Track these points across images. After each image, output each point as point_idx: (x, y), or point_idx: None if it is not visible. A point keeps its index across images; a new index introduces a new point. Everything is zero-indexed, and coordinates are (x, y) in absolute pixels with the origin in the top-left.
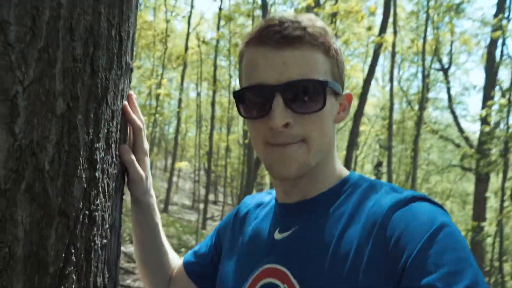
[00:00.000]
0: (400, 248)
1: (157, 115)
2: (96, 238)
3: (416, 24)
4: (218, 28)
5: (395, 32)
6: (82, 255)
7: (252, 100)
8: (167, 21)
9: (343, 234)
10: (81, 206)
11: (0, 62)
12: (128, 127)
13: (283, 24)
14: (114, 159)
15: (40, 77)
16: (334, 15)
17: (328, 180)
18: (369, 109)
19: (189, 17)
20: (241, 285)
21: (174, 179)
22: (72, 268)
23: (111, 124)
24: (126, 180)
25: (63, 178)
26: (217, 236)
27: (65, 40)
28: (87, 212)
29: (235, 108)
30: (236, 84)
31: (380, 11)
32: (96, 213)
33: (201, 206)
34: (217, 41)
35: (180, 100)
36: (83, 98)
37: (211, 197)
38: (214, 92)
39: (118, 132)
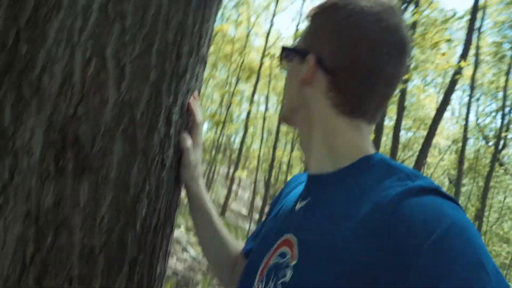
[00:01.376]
0: (404, 245)
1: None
2: (164, 178)
3: (499, 57)
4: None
5: (476, 64)
6: (153, 189)
7: None
8: (247, 36)
9: (348, 214)
10: (157, 151)
11: (117, 40)
12: (190, 119)
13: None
14: (185, 123)
15: (142, 54)
16: (413, 24)
17: (347, 155)
18: (440, 140)
19: (268, 34)
20: (263, 256)
21: (234, 187)
22: (146, 195)
23: (186, 96)
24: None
25: (148, 127)
26: (267, 215)
27: (162, 29)
28: (161, 156)
29: None
30: None
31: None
32: (167, 160)
33: (257, 216)
34: None
35: (249, 112)
36: (169, 73)
37: (267, 209)
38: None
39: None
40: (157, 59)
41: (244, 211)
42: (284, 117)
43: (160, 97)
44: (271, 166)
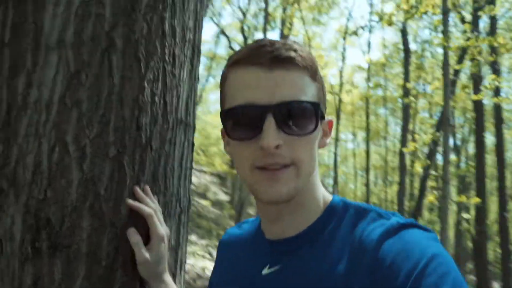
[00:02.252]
0: (392, 281)
1: None
2: None
3: None
4: (368, 78)
5: None
6: (129, 257)
7: (242, 120)
8: None
9: (332, 268)
10: (126, 222)
11: (76, 125)
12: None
13: (274, 45)
14: (163, 190)
15: (100, 133)
16: (492, 49)
17: (314, 210)
18: None
19: (341, 71)
20: None
21: None
22: (119, 265)
23: (157, 163)
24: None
25: (113, 200)
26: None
27: (117, 108)
28: (133, 226)
29: (391, 158)
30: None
31: None
32: (139, 228)
33: None
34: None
35: (335, 153)
36: (130, 146)
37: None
38: (368, 143)
39: (169, 169)
40: (115, 135)
41: None
42: (298, 190)
43: (123, 170)
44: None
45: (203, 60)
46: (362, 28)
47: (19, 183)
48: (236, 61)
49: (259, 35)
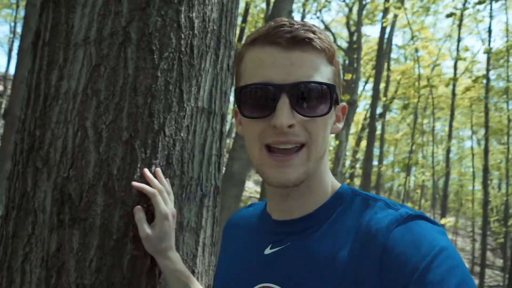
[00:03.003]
0: (399, 271)
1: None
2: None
3: None
4: (487, 69)
5: None
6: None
7: (255, 98)
8: (432, 70)
9: (338, 252)
10: (138, 200)
11: (95, 112)
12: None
13: (293, 26)
14: (179, 173)
15: (115, 119)
16: None
17: (323, 194)
18: None
19: (455, 63)
20: None
21: (450, 236)
22: (129, 240)
23: (172, 148)
24: None
25: (125, 180)
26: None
27: (130, 96)
28: (144, 205)
29: None
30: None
31: None
32: (150, 207)
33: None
34: (487, 81)
35: (448, 150)
36: (142, 131)
37: (498, 261)
38: (487, 140)
39: (187, 155)
40: (128, 121)
41: (466, 264)
42: (308, 174)
43: (134, 153)
44: (484, 209)
45: None
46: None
47: (50, 163)
48: (254, 40)
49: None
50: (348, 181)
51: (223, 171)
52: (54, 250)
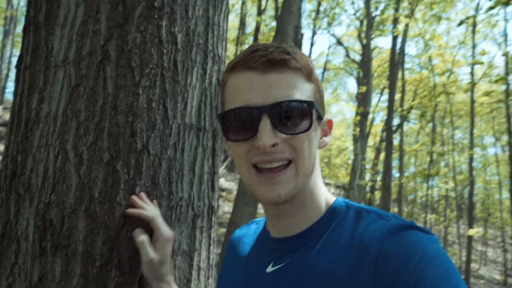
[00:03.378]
0: (393, 281)
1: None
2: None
3: None
4: (506, 73)
5: None
6: (125, 259)
7: (238, 122)
8: (448, 77)
9: (334, 266)
10: (121, 223)
11: (75, 134)
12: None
13: (268, 49)
14: (166, 194)
15: (95, 140)
16: None
17: (317, 209)
18: None
19: (472, 68)
20: None
21: (479, 247)
22: (114, 266)
23: (158, 168)
24: None
25: (108, 203)
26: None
27: (111, 115)
28: (128, 228)
29: None
30: None
31: None
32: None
33: None
34: (507, 85)
35: (471, 158)
36: (124, 151)
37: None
38: (511, 146)
39: (175, 174)
40: (109, 142)
41: (498, 276)
42: (298, 189)
43: (117, 174)
44: None
45: (319, 71)
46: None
47: (32, 189)
48: (233, 67)
49: (373, 42)
50: (368, 194)
51: (238, 187)
52: (36, 280)
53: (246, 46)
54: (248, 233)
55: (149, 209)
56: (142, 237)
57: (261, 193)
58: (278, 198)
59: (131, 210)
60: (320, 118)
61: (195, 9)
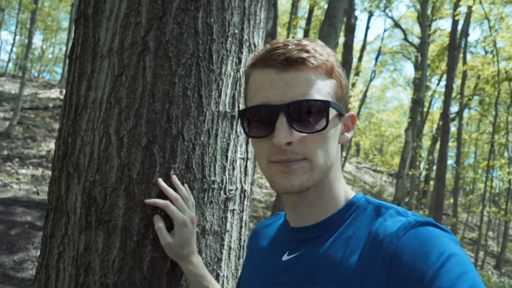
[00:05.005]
0: (408, 278)
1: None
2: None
3: None
4: None
5: None
6: None
7: (257, 119)
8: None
9: (347, 258)
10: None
11: (117, 120)
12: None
13: (287, 47)
14: (199, 177)
15: (135, 125)
16: None
17: (335, 202)
18: None
19: None
20: None
21: None
22: (149, 242)
23: (191, 152)
24: None
25: (145, 184)
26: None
27: (149, 103)
28: (163, 212)
29: None
30: None
31: None
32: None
33: None
34: None
35: None
36: (160, 136)
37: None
38: None
39: (208, 159)
40: (147, 127)
41: None
42: (313, 182)
43: (153, 157)
44: None
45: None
46: None
47: (80, 168)
48: (254, 64)
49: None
50: (422, 184)
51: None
52: (82, 250)
53: (299, 30)
54: (271, 224)
55: (170, 193)
56: (159, 224)
57: (278, 181)
58: (292, 188)
59: (147, 200)
60: (341, 114)
61: (231, 0)
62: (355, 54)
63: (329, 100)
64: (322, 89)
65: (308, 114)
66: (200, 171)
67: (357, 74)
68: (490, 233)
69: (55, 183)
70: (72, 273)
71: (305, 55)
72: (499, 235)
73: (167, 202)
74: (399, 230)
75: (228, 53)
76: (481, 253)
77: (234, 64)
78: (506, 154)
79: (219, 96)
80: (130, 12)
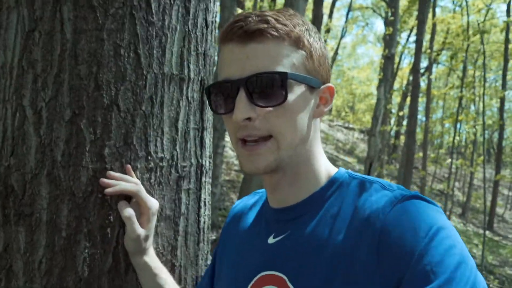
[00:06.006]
0: (398, 254)
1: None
2: (111, 217)
3: None
4: None
5: None
6: (96, 230)
7: (220, 95)
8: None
9: (334, 237)
10: (90, 190)
11: (32, 88)
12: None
13: (247, 19)
14: (143, 155)
15: (55, 95)
16: None
17: (316, 180)
18: None
19: (508, 5)
20: None
21: (505, 191)
22: (83, 237)
23: (131, 125)
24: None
25: (72, 167)
26: (214, 258)
27: (71, 66)
28: (98, 194)
29: None
30: None
31: None
32: (108, 197)
33: None
34: None
35: (502, 101)
36: (89, 107)
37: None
38: None
39: (153, 132)
40: (70, 96)
41: None
42: (282, 161)
43: (81, 134)
44: None
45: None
46: None
47: None
48: (220, 40)
49: None
50: (393, 140)
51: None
52: (1, 250)
53: None
54: (249, 204)
55: (131, 179)
56: (129, 211)
57: (244, 164)
58: (257, 170)
59: (111, 190)
60: (312, 87)
61: None
62: (325, 12)
63: (288, 71)
64: (284, 61)
65: (267, 87)
66: (144, 148)
67: (327, 31)
68: (457, 184)
69: None
70: None
71: (264, 26)
72: (464, 185)
73: (139, 187)
74: (385, 206)
75: (172, 2)
76: (449, 203)
77: (180, 15)
78: (472, 107)
79: (163, 55)
80: None
